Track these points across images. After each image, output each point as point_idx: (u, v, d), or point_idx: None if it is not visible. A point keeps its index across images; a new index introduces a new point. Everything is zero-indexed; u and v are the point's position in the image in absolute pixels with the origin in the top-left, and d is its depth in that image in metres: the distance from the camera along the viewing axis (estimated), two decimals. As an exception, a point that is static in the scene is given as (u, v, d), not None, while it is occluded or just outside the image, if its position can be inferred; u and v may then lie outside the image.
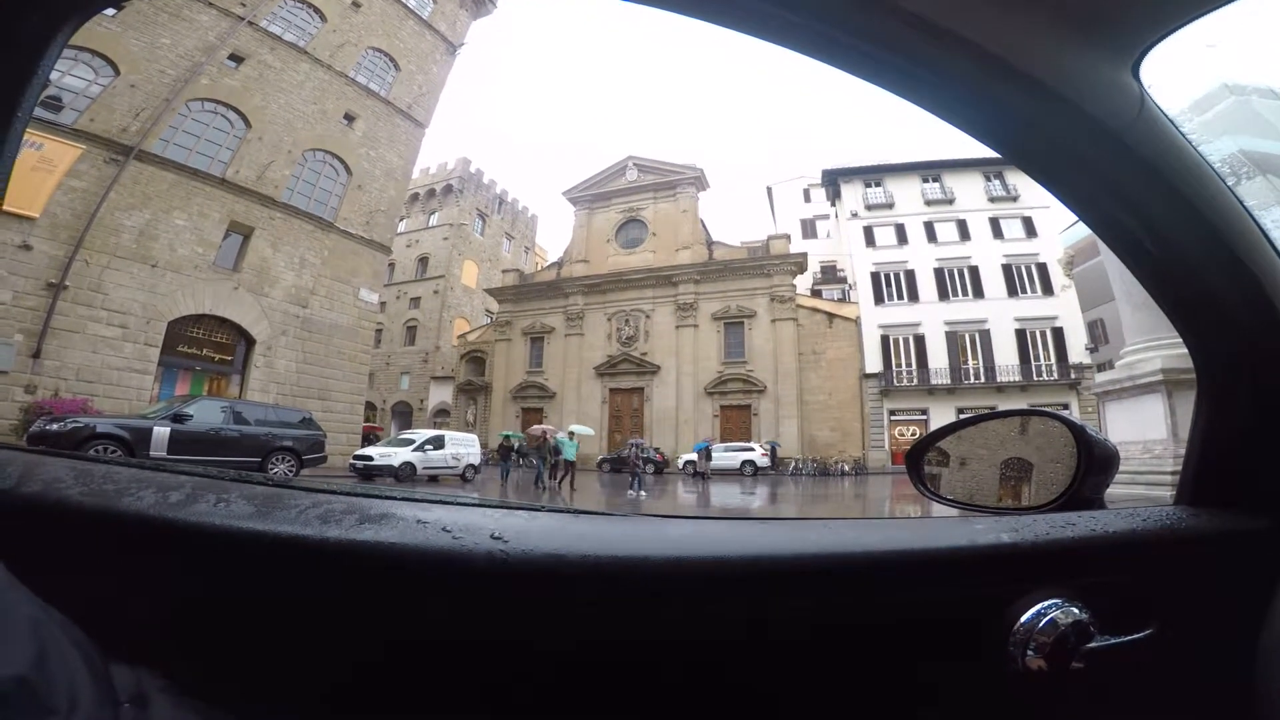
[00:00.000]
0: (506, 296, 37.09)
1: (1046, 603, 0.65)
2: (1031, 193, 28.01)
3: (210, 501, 0.59)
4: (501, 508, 0.68)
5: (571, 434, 17.78)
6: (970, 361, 28.60)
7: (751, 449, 25.41)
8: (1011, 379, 27.49)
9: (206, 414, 12.20)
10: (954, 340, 28.92)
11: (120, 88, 17.37)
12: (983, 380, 28.02)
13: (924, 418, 28.41)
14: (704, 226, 34.32)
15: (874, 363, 29.51)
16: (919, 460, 1.06)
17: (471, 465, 19.09)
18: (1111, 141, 0.66)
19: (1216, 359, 0.80)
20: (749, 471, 24.37)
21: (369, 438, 24.34)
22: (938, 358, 28.94)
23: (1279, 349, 0.74)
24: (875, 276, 31.15)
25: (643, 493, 15.34)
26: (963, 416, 1.10)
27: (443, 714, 0.58)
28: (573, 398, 33.02)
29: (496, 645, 0.58)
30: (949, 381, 28.35)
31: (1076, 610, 0.65)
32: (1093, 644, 0.64)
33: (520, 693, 0.59)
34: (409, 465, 17.12)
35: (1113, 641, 0.65)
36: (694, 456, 23.98)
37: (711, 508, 13.24)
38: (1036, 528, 0.72)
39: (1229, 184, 0.70)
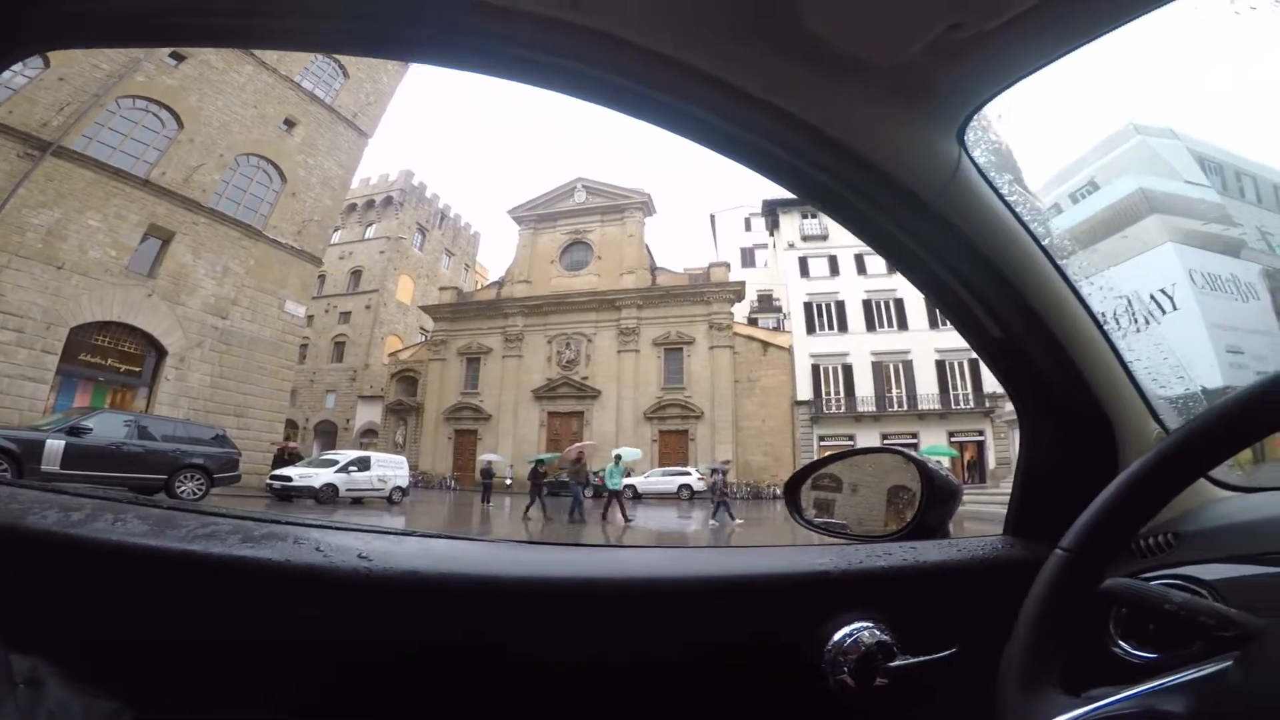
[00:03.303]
0: (443, 314, 36.19)
1: (855, 625, 0.72)
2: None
3: (108, 521, 0.64)
4: (373, 532, 0.75)
5: (618, 458, 15.80)
6: (894, 390, 29.98)
7: (688, 473, 25.66)
8: (932, 407, 29.01)
9: (107, 428, 11.33)
10: (880, 370, 30.30)
11: (48, 80, 16.41)
12: (905, 408, 29.44)
13: (850, 443, 29.51)
14: (649, 252, 34.83)
15: (805, 390, 30.51)
16: (796, 489, 1.16)
17: (399, 488, 18.28)
18: (922, 208, 0.70)
19: (1030, 405, 0.86)
20: (685, 495, 24.54)
21: (284, 458, 22.06)
22: (864, 386, 30.21)
23: (1078, 400, 0.81)
24: (808, 307, 32.35)
25: (738, 521, 13.65)
26: (828, 454, 1.21)
27: (308, 711, 0.64)
28: (509, 420, 32.42)
29: (360, 652, 0.64)
30: (875, 409, 29.63)
31: (879, 632, 0.71)
32: (895, 663, 0.70)
33: (381, 696, 0.65)
34: (331, 487, 16.22)
35: (913, 661, 0.71)
36: (632, 481, 23.95)
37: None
38: (854, 556, 0.79)
39: (1043, 243, 0.75)
